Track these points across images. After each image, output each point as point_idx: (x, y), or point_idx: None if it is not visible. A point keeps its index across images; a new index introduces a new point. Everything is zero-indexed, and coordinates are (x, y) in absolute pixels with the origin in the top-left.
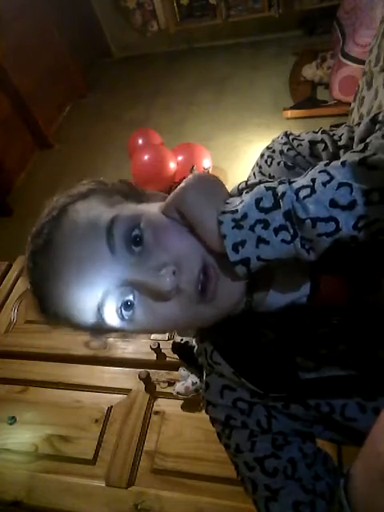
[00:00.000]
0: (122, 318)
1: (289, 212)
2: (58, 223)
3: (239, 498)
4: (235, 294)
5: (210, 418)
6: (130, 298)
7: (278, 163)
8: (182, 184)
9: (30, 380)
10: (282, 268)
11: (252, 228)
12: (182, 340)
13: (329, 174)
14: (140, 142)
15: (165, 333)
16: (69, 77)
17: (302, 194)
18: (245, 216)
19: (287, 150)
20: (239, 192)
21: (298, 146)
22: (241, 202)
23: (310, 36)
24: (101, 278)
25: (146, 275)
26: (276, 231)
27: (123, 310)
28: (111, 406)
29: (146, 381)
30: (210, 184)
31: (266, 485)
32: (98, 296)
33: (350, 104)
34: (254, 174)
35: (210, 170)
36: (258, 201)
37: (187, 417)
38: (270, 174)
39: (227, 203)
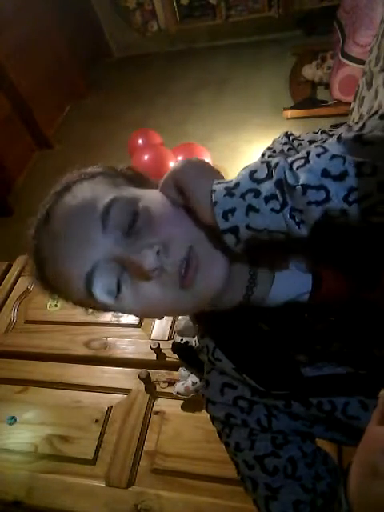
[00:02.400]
0: (110, 294)
1: (280, 180)
2: (59, 198)
3: (239, 497)
4: (214, 285)
5: (210, 416)
6: (117, 276)
7: None
8: (180, 160)
9: (30, 380)
10: (283, 261)
11: (243, 196)
12: (182, 340)
13: (323, 147)
14: (140, 142)
15: (155, 317)
16: (69, 77)
17: (296, 164)
18: (237, 185)
19: (288, 150)
20: None
21: (298, 145)
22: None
23: (310, 36)
24: (90, 250)
25: (132, 253)
26: (266, 200)
27: (110, 287)
28: (111, 406)
29: (146, 381)
30: (206, 163)
31: (266, 484)
32: (86, 267)
33: (350, 104)
34: None
35: None
36: (252, 172)
37: (187, 417)
38: None
39: (222, 179)
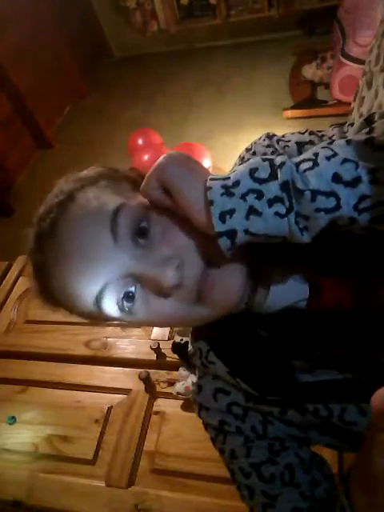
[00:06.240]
0: (122, 309)
1: (286, 183)
2: (64, 208)
3: (239, 497)
4: (232, 297)
5: (203, 422)
6: (132, 289)
7: None
8: (162, 157)
9: (30, 380)
10: (281, 269)
11: (244, 197)
12: (181, 340)
13: (333, 150)
14: (140, 142)
15: (163, 327)
16: (69, 77)
17: (303, 166)
18: (237, 183)
19: (271, 153)
20: None
21: (284, 147)
22: (232, 172)
23: (310, 36)
24: (102, 267)
25: (150, 268)
26: (270, 203)
27: (124, 302)
28: (111, 406)
29: (146, 381)
30: (191, 157)
31: (264, 491)
32: (98, 285)
33: (350, 104)
34: None
35: (211, 170)
36: (252, 170)
37: (187, 417)
38: None
39: (208, 174)
